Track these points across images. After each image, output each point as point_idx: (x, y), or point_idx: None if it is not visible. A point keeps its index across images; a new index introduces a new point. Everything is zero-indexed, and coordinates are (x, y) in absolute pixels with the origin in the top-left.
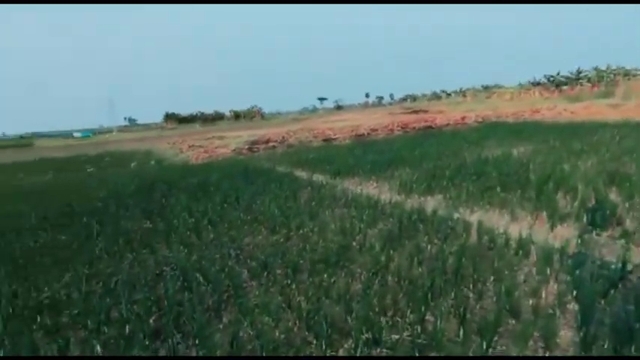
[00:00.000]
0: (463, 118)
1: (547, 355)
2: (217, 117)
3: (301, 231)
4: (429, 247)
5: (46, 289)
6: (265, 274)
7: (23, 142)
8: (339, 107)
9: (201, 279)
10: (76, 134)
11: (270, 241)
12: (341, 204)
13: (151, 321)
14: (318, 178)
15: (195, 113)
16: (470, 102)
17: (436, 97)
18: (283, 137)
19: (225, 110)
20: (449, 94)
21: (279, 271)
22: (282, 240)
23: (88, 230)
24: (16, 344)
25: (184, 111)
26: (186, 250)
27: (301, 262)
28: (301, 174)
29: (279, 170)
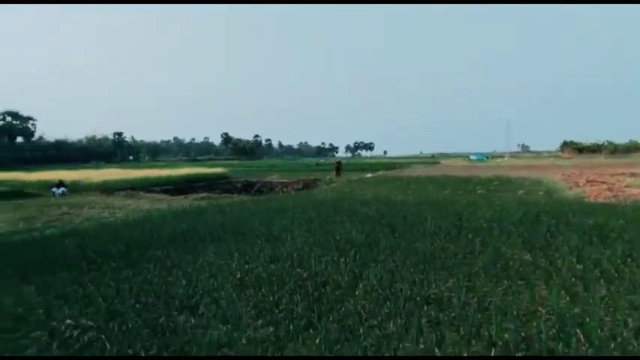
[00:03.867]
0: None
1: None
2: (632, 148)
3: None
4: None
5: (434, 286)
6: None
7: (433, 160)
8: None
9: (582, 337)
10: (472, 157)
11: None
12: None
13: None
14: None
15: (600, 142)
16: None
17: None
18: None
19: None
20: None
21: None
22: None
23: (471, 246)
24: (408, 325)
25: (585, 139)
26: (567, 298)
27: None
28: None
29: None
